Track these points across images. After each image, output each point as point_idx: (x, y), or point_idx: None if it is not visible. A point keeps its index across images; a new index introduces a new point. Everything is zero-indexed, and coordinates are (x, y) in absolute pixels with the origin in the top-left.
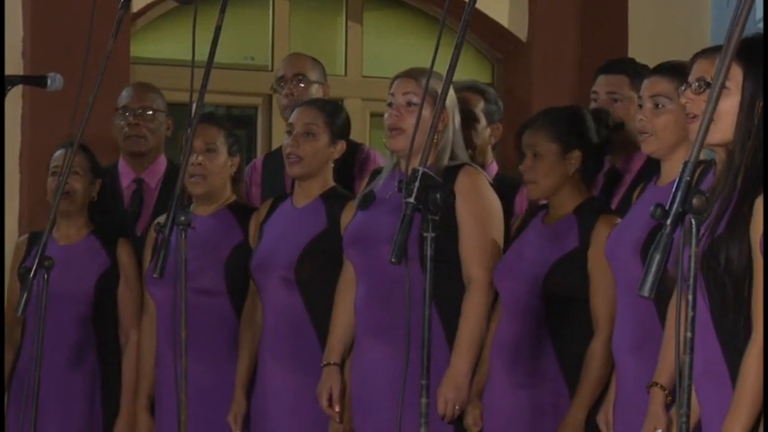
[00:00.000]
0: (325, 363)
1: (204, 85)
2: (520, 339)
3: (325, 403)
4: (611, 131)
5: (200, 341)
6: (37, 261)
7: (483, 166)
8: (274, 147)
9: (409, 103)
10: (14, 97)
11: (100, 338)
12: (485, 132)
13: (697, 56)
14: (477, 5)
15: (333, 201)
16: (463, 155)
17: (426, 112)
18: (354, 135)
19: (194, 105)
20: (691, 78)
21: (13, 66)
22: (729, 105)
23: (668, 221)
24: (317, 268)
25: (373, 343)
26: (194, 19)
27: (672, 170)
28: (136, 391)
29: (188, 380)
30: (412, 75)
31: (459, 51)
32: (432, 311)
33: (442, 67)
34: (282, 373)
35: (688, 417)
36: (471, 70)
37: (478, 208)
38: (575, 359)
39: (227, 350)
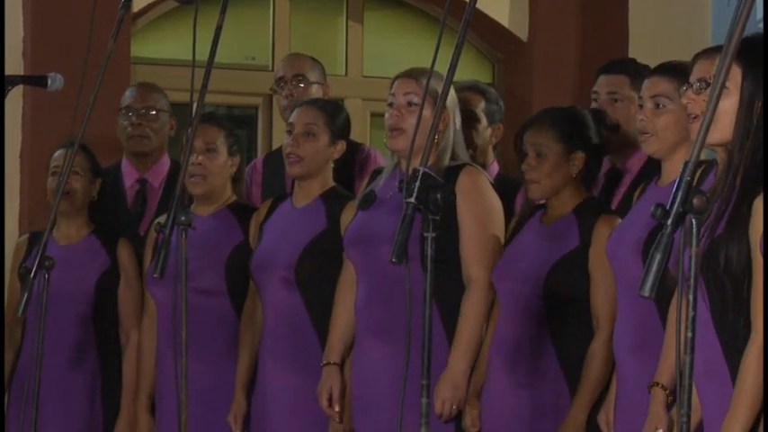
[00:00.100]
0: (324, 362)
1: (205, 85)
2: (520, 339)
3: (324, 403)
4: (610, 132)
5: (200, 341)
6: (37, 261)
7: (484, 167)
8: (275, 147)
9: (410, 104)
10: (15, 97)
11: (100, 338)
12: (486, 132)
13: (698, 56)
14: (478, 5)
15: (333, 201)
16: (464, 155)
17: (427, 113)
18: (355, 135)
19: (195, 105)
20: (692, 79)
21: (14, 66)
22: (728, 105)
23: (669, 221)
24: (317, 268)
25: (373, 343)
26: (195, 19)
27: (672, 170)
28: (136, 391)
29: (188, 380)
30: (412, 75)
31: (460, 51)
32: (432, 311)
33: (442, 67)
34: (283, 373)
35: (689, 417)
36: (472, 70)
37: (479, 208)
38: (575, 359)
39: (228, 350)
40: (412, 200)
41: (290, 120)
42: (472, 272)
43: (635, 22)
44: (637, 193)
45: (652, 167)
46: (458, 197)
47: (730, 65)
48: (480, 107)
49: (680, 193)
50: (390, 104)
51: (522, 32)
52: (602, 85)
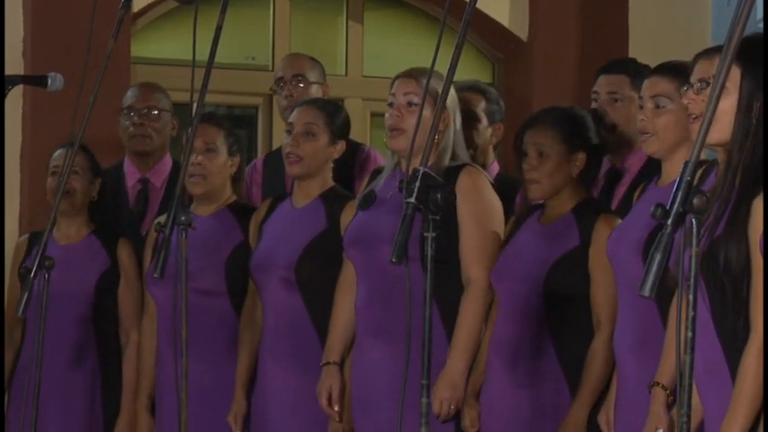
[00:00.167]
0: (324, 362)
1: (205, 85)
2: (520, 339)
3: (324, 402)
4: (608, 132)
5: (200, 341)
6: (37, 261)
7: (484, 166)
8: (275, 147)
9: (410, 104)
10: (15, 97)
11: (100, 338)
12: (486, 132)
13: (699, 56)
14: (478, 5)
15: (332, 201)
16: (464, 155)
17: (427, 113)
18: (355, 135)
19: (195, 105)
20: (693, 79)
21: (14, 66)
22: (727, 105)
23: (669, 221)
24: (317, 268)
25: (374, 343)
26: (195, 19)
27: (673, 170)
28: (136, 391)
29: (188, 380)
30: (412, 75)
31: (460, 51)
32: (432, 311)
33: (442, 67)
34: (283, 373)
35: (689, 417)
36: (472, 70)
37: (479, 208)
38: (575, 359)
39: (228, 350)
40: (412, 200)
41: (290, 120)
42: (471, 272)
43: (635, 22)
44: (637, 193)
45: (652, 167)
46: (458, 197)
47: (730, 65)
48: (481, 107)
49: (680, 193)
50: (390, 104)
51: (522, 32)
52: (603, 84)
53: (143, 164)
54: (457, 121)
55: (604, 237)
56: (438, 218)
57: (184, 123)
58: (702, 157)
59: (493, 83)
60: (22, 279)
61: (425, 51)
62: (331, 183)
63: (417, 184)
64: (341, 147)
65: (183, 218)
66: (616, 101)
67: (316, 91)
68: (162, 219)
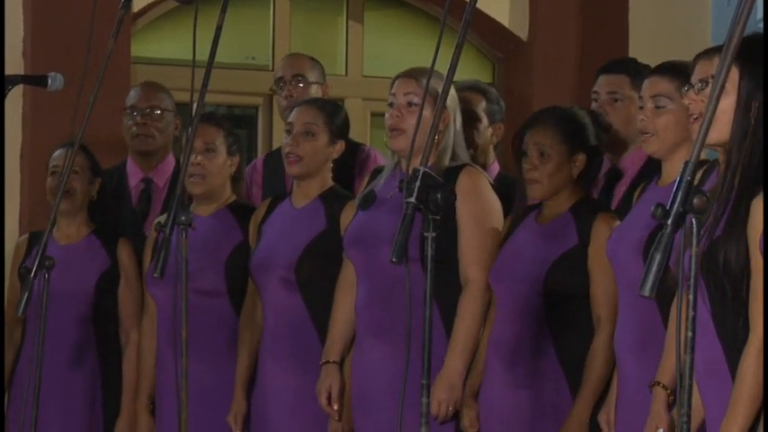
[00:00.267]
0: (324, 361)
1: (205, 85)
2: (519, 339)
3: (324, 401)
4: (604, 133)
5: (200, 341)
6: (37, 261)
7: (485, 166)
8: (275, 147)
9: (410, 104)
10: (15, 97)
11: (100, 338)
12: (487, 132)
13: (699, 56)
14: (478, 5)
15: (332, 201)
16: (464, 155)
17: (427, 113)
18: (355, 135)
19: (195, 105)
20: (693, 79)
21: (14, 65)
22: (726, 105)
23: (669, 221)
24: (318, 268)
25: (374, 343)
26: (195, 19)
27: (673, 170)
28: (136, 391)
29: (188, 380)
30: (412, 75)
31: (460, 51)
32: (433, 311)
33: (442, 67)
34: (283, 373)
35: (689, 417)
36: (472, 70)
37: (478, 209)
38: (575, 358)
39: (228, 350)
40: (412, 200)
41: (290, 119)
42: (469, 272)
43: (635, 22)
44: (637, 193)
45: (652, 167)
46: (457, 197)
47: (730, 65)
48: (481, 107)
49: (680, 193)
50: (390, 104)
51: (522, 32)
52: (603, 84)
53: (146, 163)
54: (457, 121)
55: (603, 235)
56: (438, 217)
57: (185, 123)
58: (703, 156)
59: (493, 83)
60: (22, 279)
61: (425, 51)
62: (330, 183)
63: (417, 183)
64: (340, 147)
65: (183, 218)
66: (616, 101)
67: (315, 91)
68: (162, 219)
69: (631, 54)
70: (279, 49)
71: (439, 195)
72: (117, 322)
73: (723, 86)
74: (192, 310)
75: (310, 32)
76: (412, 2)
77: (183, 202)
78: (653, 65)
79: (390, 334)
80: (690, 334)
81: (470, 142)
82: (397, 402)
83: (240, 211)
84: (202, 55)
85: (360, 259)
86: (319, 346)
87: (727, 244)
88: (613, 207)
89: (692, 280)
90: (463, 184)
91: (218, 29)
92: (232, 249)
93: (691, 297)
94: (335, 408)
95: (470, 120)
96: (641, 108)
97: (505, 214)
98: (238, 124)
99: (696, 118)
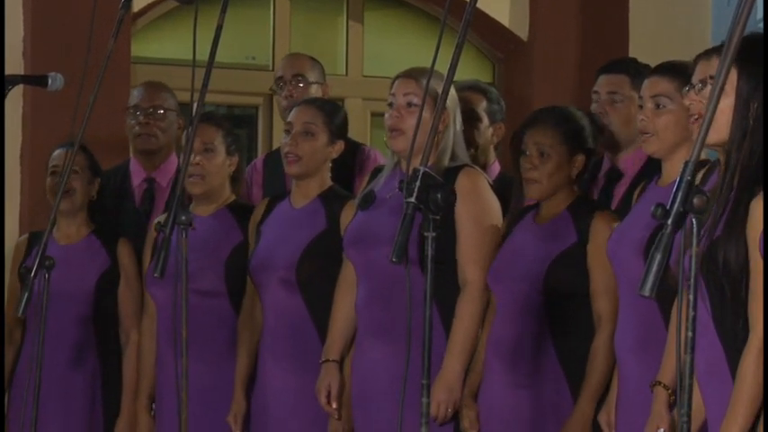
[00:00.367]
0: (323, 359)
1: (205, 85)
2: (519, 339)
3: (323, 400)
4: (599, 134)
5: (200, 341)
6: (37, 261)
7: (485, 166)
8: (275, 147)
9: (410, 104)
10: (15, 97)
11: (100, 338)
12: (487, 132)
13: (700, 57)
14: (478, 5)
15: (332, 201)
16: (464, 155)
17: (427, 113)
18: (355, 135)
19: (195, 105)
20: (694, 80)
21: (14, 65)
22: (725, 105)
23: (669, 221)
24: (318, 269)
25: (374, 343)
26: (195, 19)
27: (673, 170)
28: (136, 391)
29: (188, 380)
30: (412, 75)
31: (460, 51)
32: (432, 312)
33: (442, 67)
34: (283, 373)
35: (689, 417)
36: (472, 70)
37: (477, 209)
38: (575, 357)
39: (228, 350)
40: (412, 200)
41: (289, 119)
42: (468, 273)
43: (635, 22)
44: (637, 193)
45: (652, 167)
46: (456, 198)
47: (730, 65)
48: (482, 107)
49: (680, 193)
50: (390, 105)
51: (522, 32)
52: (603, 84)
53: (149, 163)
54: (457, 121)
55: (601, 233)
56: (438, 217)
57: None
58: (703, 156)
59: (493, 83)
60: (22, 279)
61: (425, 51)
62: (329, 182)
63: (418, 183)
64: (339, 146)
65: (183, 218)
66: (616, 101)
67: (315, 91)
68: (162, 218)
69: (631, 54)
70: (279, 49)
71: (439, 195)
72: (117, 322)
73: (723, 87)
74: (191, 310)
75: (310, 32)
76: (412, 2)
77: (183, 201)
78: (653, 65)
79: (390, 334)
80: (690, 334)
81: (471, 142)
82: (397, 402)
83: (240, 211)
84: (202, 55)
85: (360, 259)
86: (319, 346)
87: (727, 244)
88: (613, 207)
89: (692, 280)
90: (462, 184)
91: (219, 29)
92: (232, 249)
93: (691, 297)
94: (335, 406)
95: (471, 120)
96: (641, 108)
97: (505, 215)
98: (238, 124)
99: (697, 118)
